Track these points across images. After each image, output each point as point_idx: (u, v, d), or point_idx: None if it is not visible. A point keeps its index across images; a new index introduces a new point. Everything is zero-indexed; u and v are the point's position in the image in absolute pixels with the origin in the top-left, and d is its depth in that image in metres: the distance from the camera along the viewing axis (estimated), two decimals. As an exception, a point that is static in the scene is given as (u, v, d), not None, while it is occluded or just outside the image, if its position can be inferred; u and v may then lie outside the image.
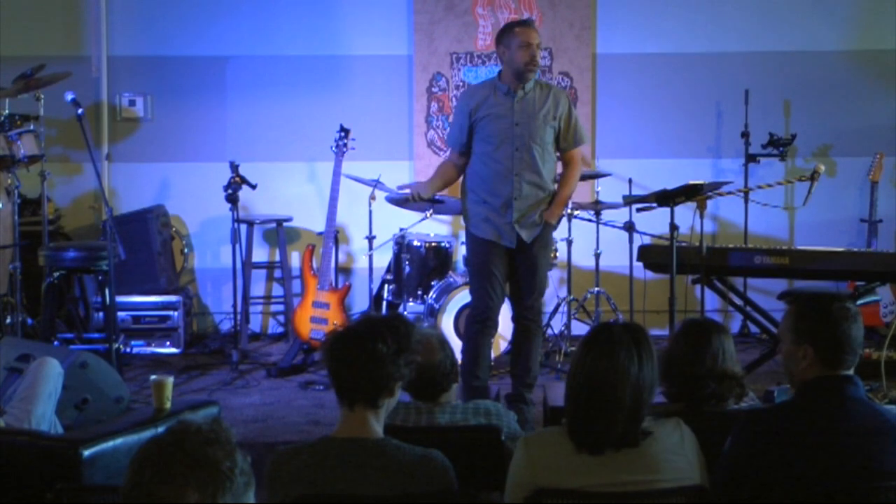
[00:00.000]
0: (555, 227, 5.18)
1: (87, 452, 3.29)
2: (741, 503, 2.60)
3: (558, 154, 5.16)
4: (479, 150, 5.02)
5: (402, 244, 6.33)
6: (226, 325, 7.08)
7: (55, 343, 5.69)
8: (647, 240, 6.31)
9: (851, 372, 2.70)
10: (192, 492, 1.70)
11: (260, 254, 7.18)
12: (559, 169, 5.23)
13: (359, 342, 2.58)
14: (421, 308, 6.31)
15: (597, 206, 6.52)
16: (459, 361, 3.65)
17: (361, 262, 6.92)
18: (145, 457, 1.74)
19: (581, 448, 2.51)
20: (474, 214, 5.08)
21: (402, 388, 2.70)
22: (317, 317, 5.98)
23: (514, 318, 5.22)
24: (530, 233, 5.03)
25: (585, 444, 2.51)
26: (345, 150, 6.13)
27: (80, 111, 5.43)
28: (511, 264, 5.09)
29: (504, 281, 5.11)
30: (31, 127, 6.10)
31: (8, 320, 5.93)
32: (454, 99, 7.08)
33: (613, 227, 6.49)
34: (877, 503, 2.54)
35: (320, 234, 6.30)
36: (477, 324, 5.06)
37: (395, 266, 6.42)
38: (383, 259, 6.68)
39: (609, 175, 6.64)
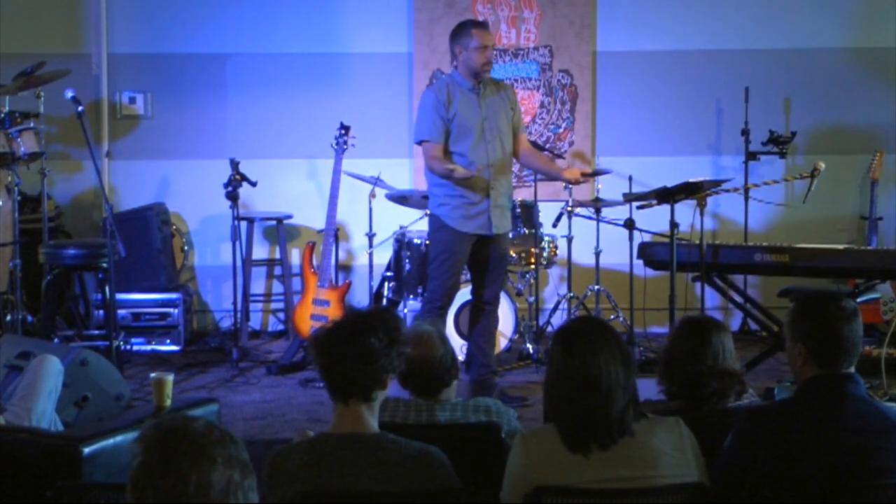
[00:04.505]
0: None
1: (87, 450, 3.29)
2: (741, 501, 2.60)
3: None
4: (455, 146, 5.18)
5: (402, 241, 6.32)
6: (226, 323, 7.08)
7: (55, 340, 5.69)
8: (647, 237, 6.30)
9: (852, 370, 2.69)
10: (223, 468, 1.67)
11: (260, 251, 7.18)
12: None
13: (351, 337, 2.58)
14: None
15: (597, 204, 6.52)
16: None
17: (362, 260, 6.92)
18: (157, 445, 1.68)
19: (576, 449, 2.51)
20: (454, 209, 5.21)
21: (401, 386, 2.69)
22: (317, 314, 5.98)
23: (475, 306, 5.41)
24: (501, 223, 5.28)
25: (580, 445, 2.51)
26: (345, 147, 6.13)
27: (80, 108, 5.43)
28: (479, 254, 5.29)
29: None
30: (32, 124, 6.11)
31: (8, 318, 5.93)
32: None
33: (614, 224, 6.49)
34: (877, 501, 2.55)
35: (321, 231, 6.30)
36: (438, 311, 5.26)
37: (396, 263, 6.42)
38: (383, 256, 6.68)
39: (609, 172, 6.62)
